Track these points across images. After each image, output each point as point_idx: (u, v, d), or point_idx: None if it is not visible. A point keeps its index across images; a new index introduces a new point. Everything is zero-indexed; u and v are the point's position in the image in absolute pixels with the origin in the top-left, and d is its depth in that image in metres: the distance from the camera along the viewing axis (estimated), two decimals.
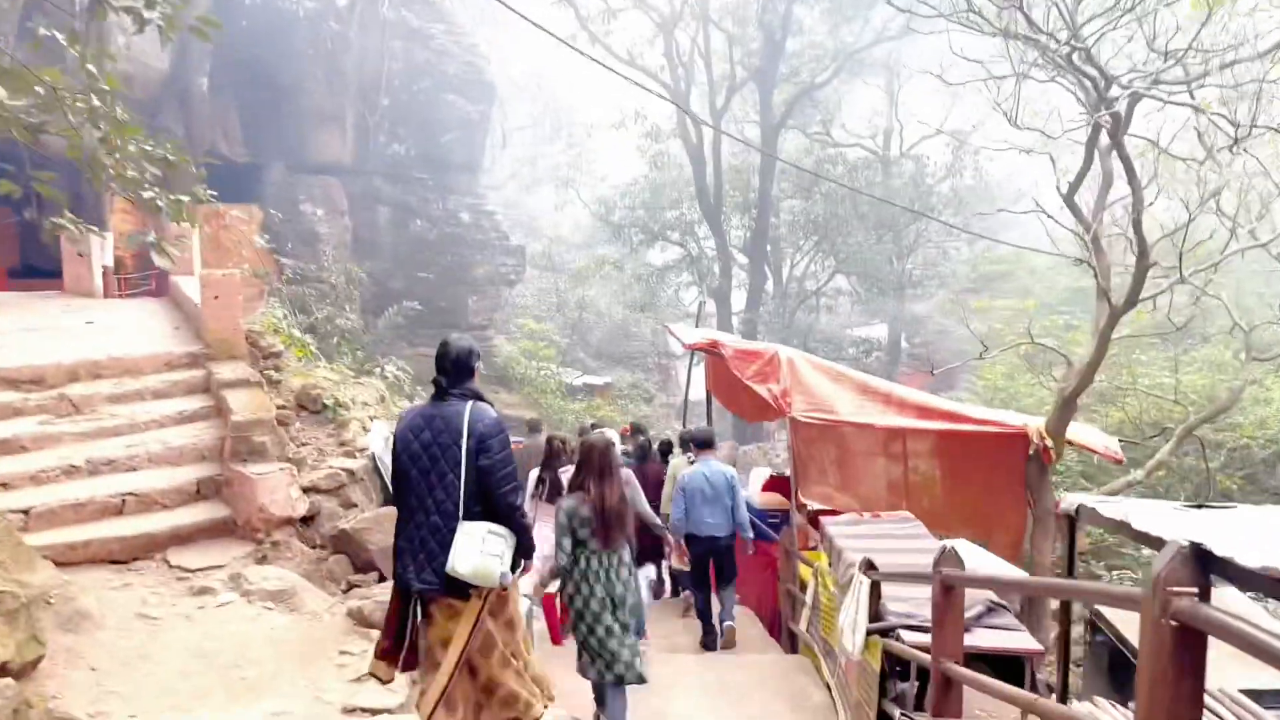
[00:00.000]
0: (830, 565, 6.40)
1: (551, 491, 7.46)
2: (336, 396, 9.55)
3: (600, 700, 5.28)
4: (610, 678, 5.06)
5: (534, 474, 7.98)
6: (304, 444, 8.84)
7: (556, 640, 6.95)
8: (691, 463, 8.01)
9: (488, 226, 27.74)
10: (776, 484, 9.89)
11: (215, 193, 11.40)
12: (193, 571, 6.63)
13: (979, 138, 27.93)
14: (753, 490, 10.13)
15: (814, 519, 8.58)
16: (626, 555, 5.25)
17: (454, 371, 4.08)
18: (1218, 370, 13.49)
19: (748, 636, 7.89)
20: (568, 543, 5.09)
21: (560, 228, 39.54)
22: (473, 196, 28.18)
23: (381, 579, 7.10)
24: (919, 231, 29.15)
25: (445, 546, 3.86)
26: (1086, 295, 22.64)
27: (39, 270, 16.46)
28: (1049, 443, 7.59)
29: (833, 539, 6.33)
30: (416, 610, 4.02)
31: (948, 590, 3.65)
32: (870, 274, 27.31)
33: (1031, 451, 7.89)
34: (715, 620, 7.58)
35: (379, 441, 9.06)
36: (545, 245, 36.19)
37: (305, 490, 7.71)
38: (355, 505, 8.07)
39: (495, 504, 3.97)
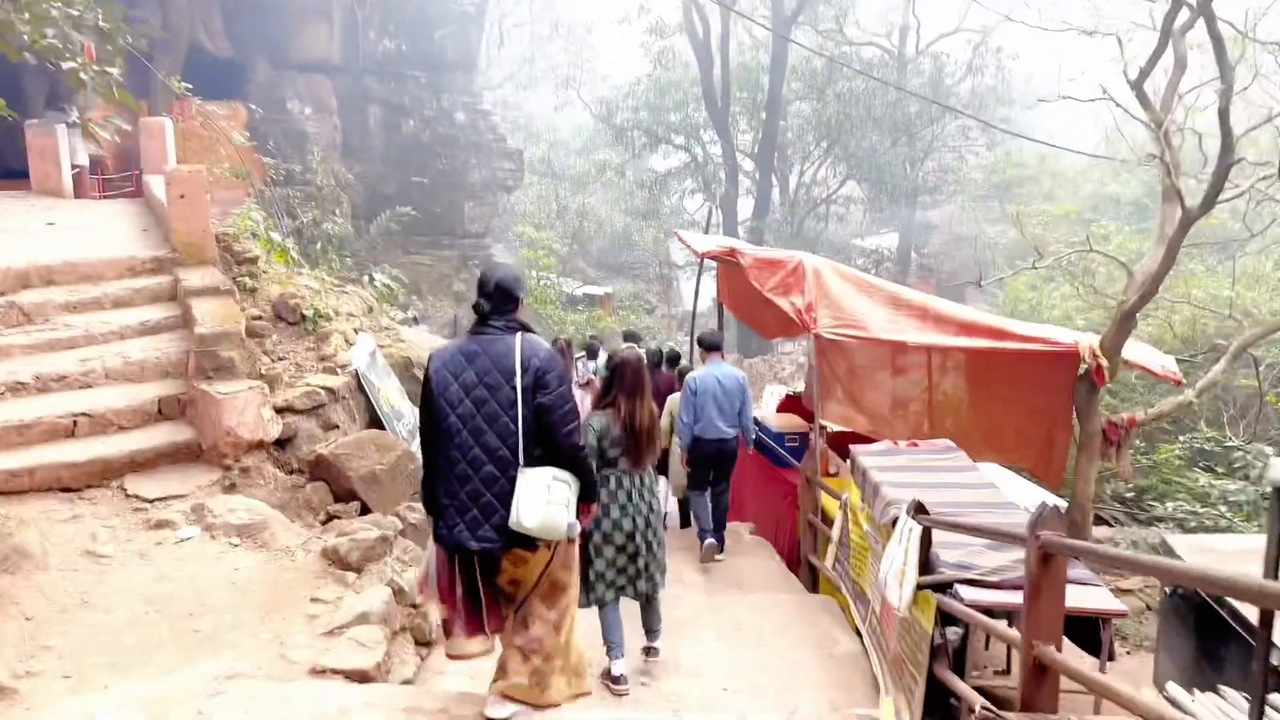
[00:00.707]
0: (863, 500, 5.72)
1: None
2: (317, 306, 8.77)
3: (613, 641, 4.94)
4: (631, 594, 5.01)
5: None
6: (280, 358, 8.10)
7: None
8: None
9: (484, 128, 26.50)
10: (793, 404, 9.20)
11: (190, 86, 10.53)
12: (151, 502, 5.94)
13: (1002, 35, 26.59)
14: (767, 410, 9.44)
15: (837, 443, 7.91)
16: (653, 476, 5.15)
17: (498, 301, 3.65)
18: (1258, 284, 12.64)
19: (765, 570, 7.29)
20: (596, 464, 4.83)
21: (560, 131, 38.09)
22: (468, 96, 26.87)
23: (365, 510, 6.43)
24: (935, 135, 27.98)
25: (502, 498, 3.50)
26: (1113, 202, 21.73)
27: (15, 171, 15.47)
28: (1103, 362, 6.85)
29: (867, 471, 5.64)
30: (474, 571, 3.61)
31: (1046, 559, 2.93)
32: (883, 180, 26.18)
33: (1081, 371, 7.17)
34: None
35: (364, 356, 8.32)
36: (544, 150, 34.88)
37: (280, 410, 6.99)
38: (337, 427, 7.37)
39: (557, 445, 3.59)
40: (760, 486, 8.34)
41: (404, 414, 8.49)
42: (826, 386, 7.25)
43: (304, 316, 8.64)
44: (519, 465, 3.50)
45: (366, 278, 13.18)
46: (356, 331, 9.18)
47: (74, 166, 14.16)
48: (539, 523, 3.42)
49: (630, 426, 4.91)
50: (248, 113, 20.72)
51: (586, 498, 3.73)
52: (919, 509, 4.45)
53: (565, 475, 3.57)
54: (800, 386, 12.14)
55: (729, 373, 7.21)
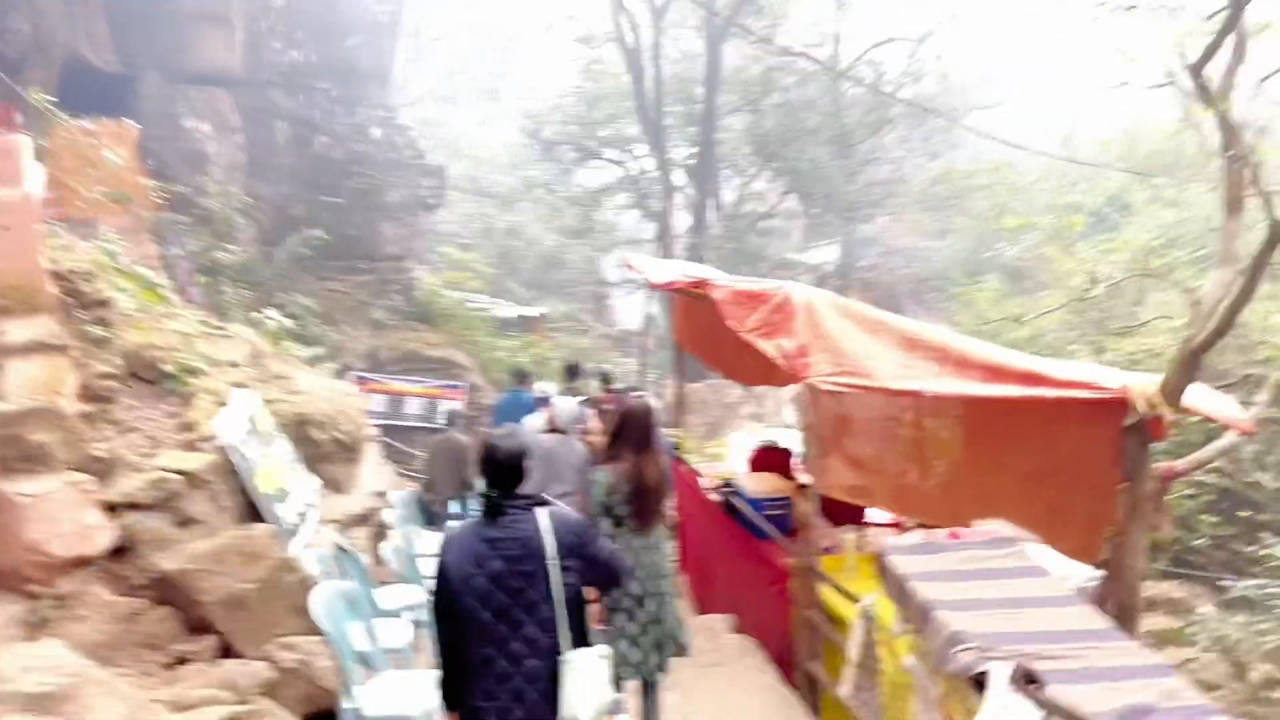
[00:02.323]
0: (903, 619, 4.27)
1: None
2: (181, 360, 7.09)
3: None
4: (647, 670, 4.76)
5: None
6: (130, 429, 6.40)
7: None
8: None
9: (401, 144, 24.75)
10: (770, 459, 7.73)
11: (56, 101, 8.74)
12: None
13: (940, 42, 25.79)
14: (740, 466, 7.98)
15: (827, 508, 6.49)
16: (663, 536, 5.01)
17: (510, 481, 3.49)
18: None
19: (758, 695, 5.76)
20: (606, 525, 4.71)
21: (485, 148, 36.41)
22: (384, 110, 25.14)
23: (226, 652, 4.77)
24: (873, 147, 27.04)
25: (546, 694, 3.35)
26: (1073, 211, 20.86)
27: None
28: (1164, 412, 5.51)
29: (906, 583, 4.18)
30: None
31: None
32: (823, 193, 25.08)
33: (1129, 422, 5.84)
34: None
35: (238, 423, 6.64)
36: (468, 167, 33.17)
37: (116, 507, 5.29)
38: (196, 522, 5.69)
39: (615, 586, 3.89)
40: (740, 566, 6.86)
41: (290, 492, 6.81)
42: (822, 449, 5.82)
43: (164, 374, 6.95)
44: (562, 652, 3.37)
45: (258, 314, 11.40)
46: (234, 385, 7.49)
47: None
48: (595, 711, 3.35)
49: (638, 484, 4.70)
50: (138, 132, 18.77)
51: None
52: (1028, 679, 3.00)
53: (602, 650, 3.51)
54: (785, 423, 10.72)
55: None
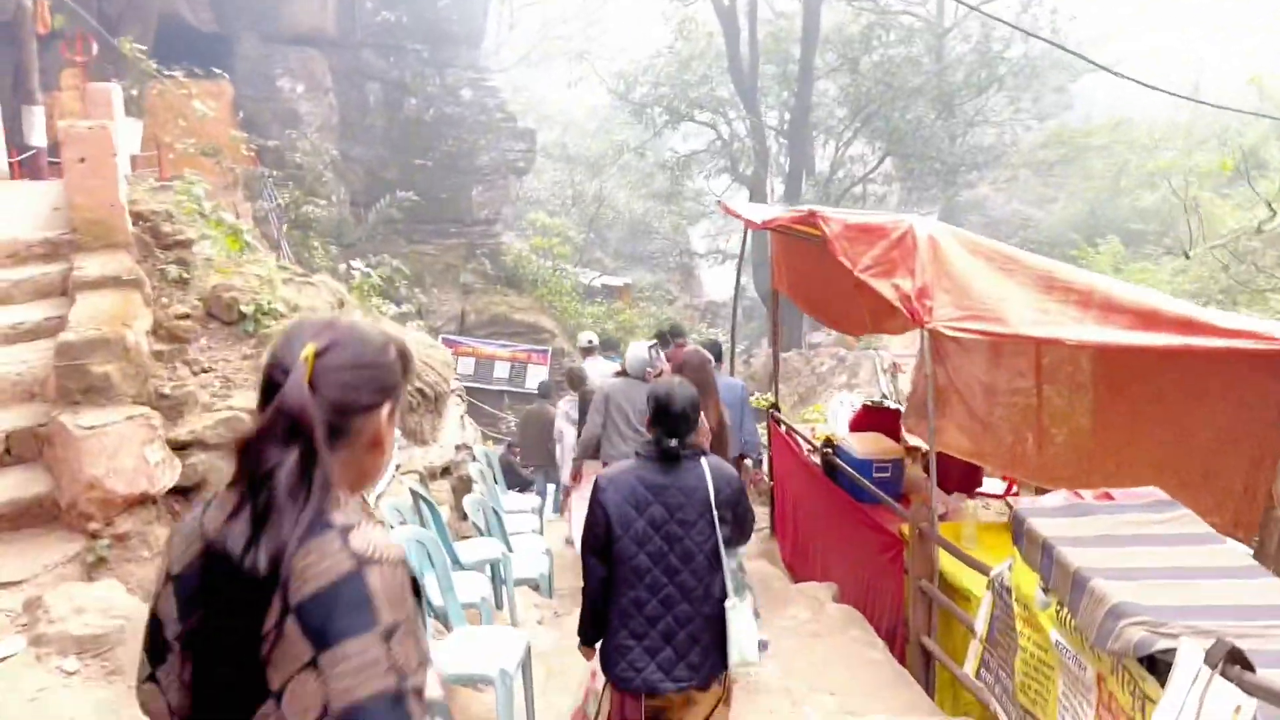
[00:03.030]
0: (1045, 590, 3.69)
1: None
2: (261, 302, 6.81)
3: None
4: None
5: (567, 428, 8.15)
6: (204, 369, 6.14)
7: None
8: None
9: (492, 106, 24.47)
10: (875, 419, 7.14)
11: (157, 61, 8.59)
12: None
13: None
14: (840, 426, 7.40)
15: (943, 471, 5.89)
16: None
17: (684, 429, 3.47)
18: None
19: (865, 665, 5.23)
20: None
21: (573, 112, 36.02)
22: (475, 71, 24.86)
23: None
24: (979, 107, 25.77)
25: (695, 637, 3.40)
26: (1192, 173, 19.52)
27: None
28: None
29: (1053, 548, 3.60)
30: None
31: None
32: (926, 155, 23.96)
33: None
34: None
35: None
36: (558, 134, 32.86)
37: (183, 446, 5.02)
38: None
39: (742, 545, 3.76)
40: (844, 533, 6.30)
41: None
42: (944, 403, 5.23)
43: (242, 314, 6.69)
44: (722, 600, 3.43)
45: (345, 267, 11.18)
46: None
47: (30, 148, 12.31)
48: (753, 655, 3.45)
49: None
50: (231, 89, 18.85)
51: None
52: (1233, 658, 2.42)
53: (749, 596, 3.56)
54: (881, 392, 10.08)
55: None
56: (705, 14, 25.26)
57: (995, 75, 23.81)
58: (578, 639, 3.64)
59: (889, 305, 5.18)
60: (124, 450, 4.46)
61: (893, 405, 7.90)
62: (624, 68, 27.04)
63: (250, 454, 1.40)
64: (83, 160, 6.48)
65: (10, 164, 11.61)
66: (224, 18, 20.66)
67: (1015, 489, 7.05)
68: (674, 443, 3.41)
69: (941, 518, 5.70)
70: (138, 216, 7.29)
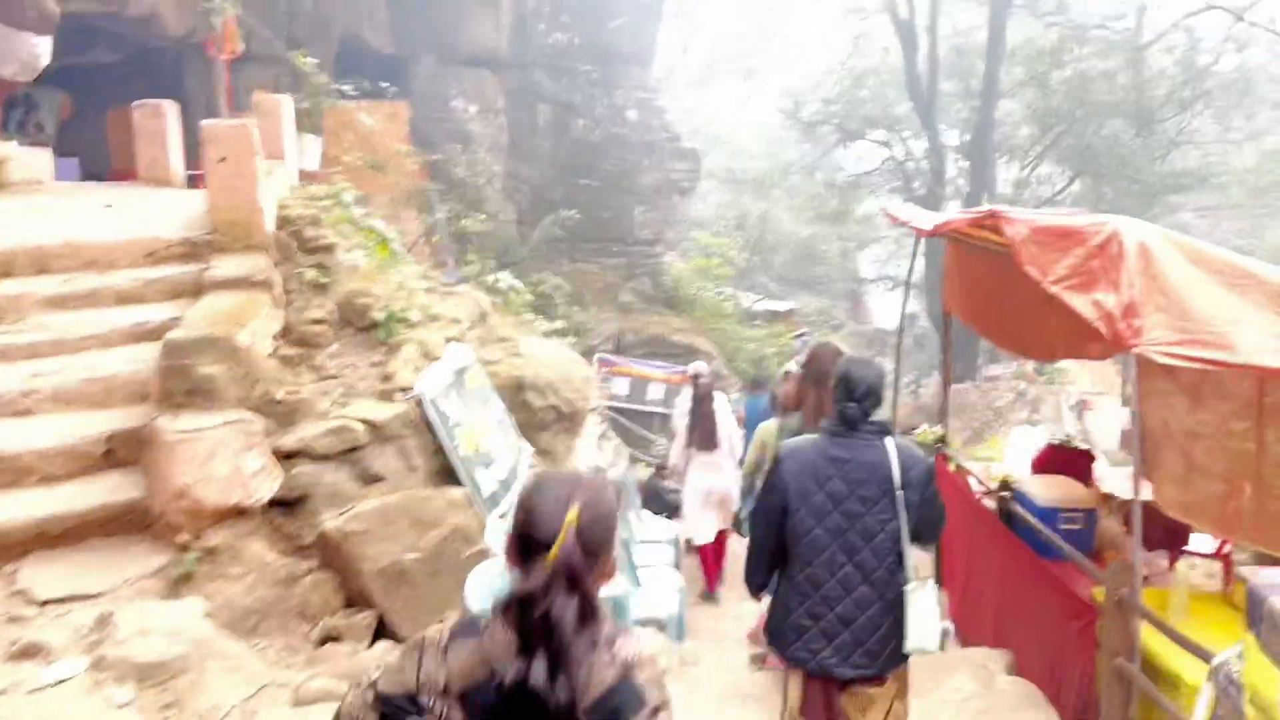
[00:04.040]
0: None
1: (704, 437, 7.56)
2: (395, 309, 6.54)
3: None
4: None
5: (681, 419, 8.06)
6: (329, 376, 5.90)
7: (711, 588, 7.68)
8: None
9: (657, 126, 24.31)
10: (1062, 460, 6.18)
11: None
12: (43, 604, 3.78)
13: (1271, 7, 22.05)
14: (1022, 468, 6.46)
15: (1159, 523, 4.96)
16: None
17: (870, 404, 3.45)
18: None
19: None
20: None
21: (741, 137, 35.56)
22: (642, 91, 24.78)
23: (381, 632, 4.01)
24: (1181, 126, 23.60)
25: (875, 622, 3.32)
26: None
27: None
28: None
29: None
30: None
31: None
32: (1122, 176, 22.07)
33: None
34: None
35: (441, 377, 5.97)
36: (724, 157, 32.47)
37: (289, 455, 4.71)
38: (381, 478, 5.04)
39: (932, 540, 3.70)
40: (1023, 592, 5.39)
41: (495, 457, 6.05)
42: (1156, 448, 4.32)
43: (375, 321, 6.43)
44: (902, 584, 3.33)
45: (493, 279, 10.98)
46: (449, 340, 6.89)
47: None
48: (933, 643, 3.38)
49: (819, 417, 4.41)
50: (408, 111, 19.33)
51: None
52: None
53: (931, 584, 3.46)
54: (1067, 431, 8.99)
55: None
56: (881, 28, 24.28)
57: (1202, 90, 21.70)
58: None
59: (1086, 326, 4.31)
60: (218, 457, 4.18)
61: (1081, 445, 6.88)
62: (793, 84, 26.34)
63: (535, 604, 1.66)
64: (223, 160, 6.41)
65: (191, 175, 12.00)
66: (402, 39, 21.31)
67: (1228, 547, 5.99)
68: (853, 406, 3.37)
69: (1145, 581, 4.77)
70: (284, 221, 7.21)
